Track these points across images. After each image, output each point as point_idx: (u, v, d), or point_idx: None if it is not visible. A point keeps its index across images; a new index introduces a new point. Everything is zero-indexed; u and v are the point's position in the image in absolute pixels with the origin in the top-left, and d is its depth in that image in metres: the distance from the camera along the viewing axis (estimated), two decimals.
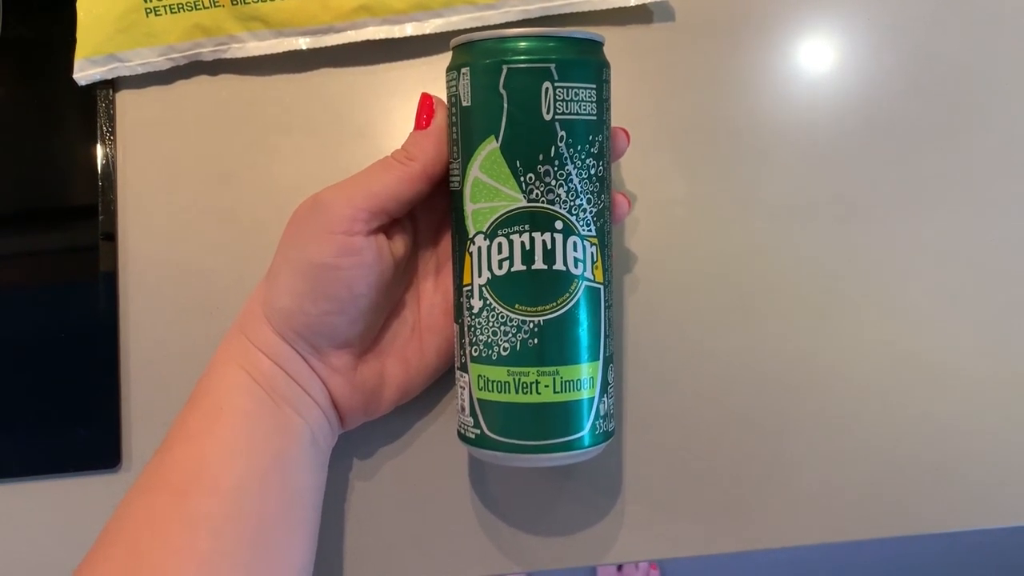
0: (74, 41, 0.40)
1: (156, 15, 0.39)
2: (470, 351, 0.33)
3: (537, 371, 0.32)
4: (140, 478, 0.32)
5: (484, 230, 0.32)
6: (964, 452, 0.39)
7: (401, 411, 0.38)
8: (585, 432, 0.33)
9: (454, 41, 0.33)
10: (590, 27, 0.41)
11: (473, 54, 0.32)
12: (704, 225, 0.40)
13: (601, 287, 0.33)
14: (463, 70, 0.32)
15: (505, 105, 0.31)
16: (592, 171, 0.32)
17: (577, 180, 0.32)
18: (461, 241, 0.33)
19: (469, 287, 0.33)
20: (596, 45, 0.33)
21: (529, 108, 0.31)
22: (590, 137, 0.32)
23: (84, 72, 0.40)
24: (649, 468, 0.39)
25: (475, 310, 0.33)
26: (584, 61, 0.32)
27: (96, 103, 0.41)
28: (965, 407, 0.39)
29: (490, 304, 0.32)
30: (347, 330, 0.34)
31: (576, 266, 0.32)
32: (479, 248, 0.32)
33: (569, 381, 0.32)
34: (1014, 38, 0.41)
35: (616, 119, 0.40)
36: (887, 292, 0.40)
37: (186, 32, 0.40)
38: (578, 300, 0.32)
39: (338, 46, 0.40)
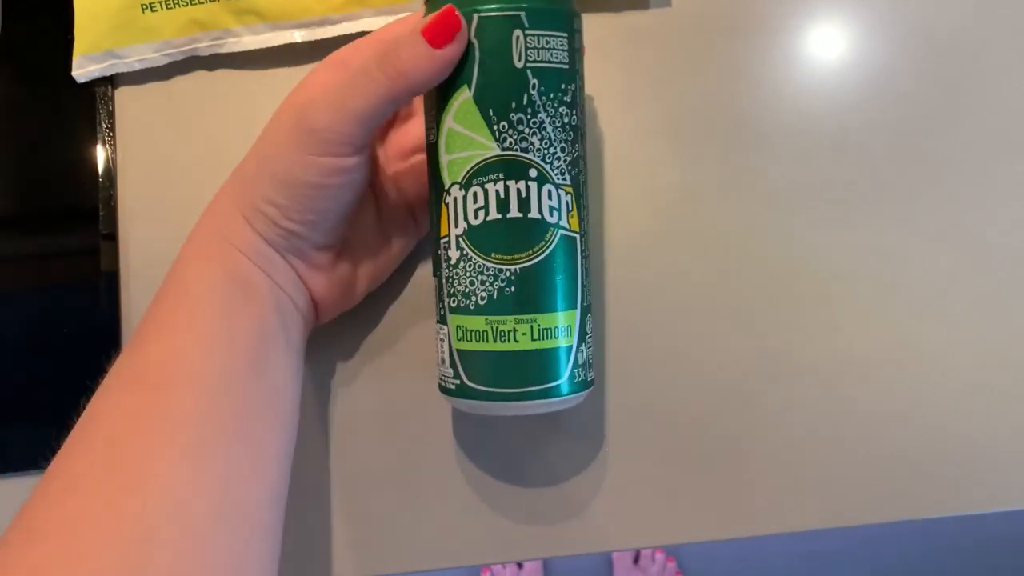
0: (72, 40, 0.41)
1: (152, 11, 0.40)
2: (448, 302, 0.33)
3: (514, 319, 0.32)
4: (113, 375, 0.31)
5: (459, 180, 0.32)
6: (966, 435, 0.38)
7: (403, 394, 0.39)
8: (563, 380, 0.33)
9: None
10: (585, 15, 0.40)
11: (443, 4, 0.31)
12: (701, 211, 0.40)
13: (577, 236, 0.33)
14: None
15: (477, 54, 0.31)
16: (565, 120, 0.32)
17: (551, 128, 0.32)
18: (438, 193, 0.33)
19: (446, 238, 0.33)
20: None
21: (500, 56, 0.31)
22: (562, 86, 0.32)
23: (82, 69, 0.41)
24: (652, 455, 0.39)
25: (452, 261, 0.33)
26: (554, 9, 0.32)
27: (95, 100, 0.41)
28: (966, 390, 0.38)
29: (467, 254, 0.32)
30: (330, 234, 0.34)
31: (551, 214, 0.32)
32: (455, 199, 0.32)
33: (546, 328, 0.32)
34: (1015, 17, 0.40)
35: (612, 105, 0.40)
36: (886, 277, 0.39)
37: (182, 27, 0.40)
38: (554, 248, 0.32)
39: (333, 38, 0.40)
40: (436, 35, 0.30)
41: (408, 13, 0.40)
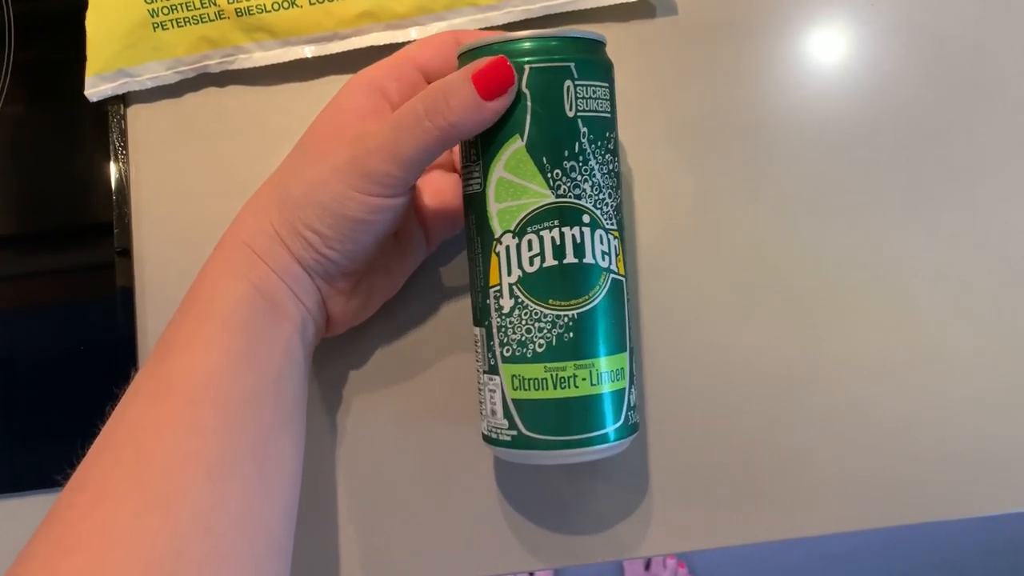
0: (84, 59, 0.41)
1: (163, 29, 0.40)
2: (501, 352, 0.33)
3: (574, 365, 0.32)
4: (141, 382, 0.32)
5: (512, 228, 0.32)
6: (981, 437, 0.38)
7: (422, 410, 0.39)
8: (620, 424, 0.33)
9: (462, 48, 0.33)
10: (592, 24, 0.41)
11: (481, 52, 0.32)
12: (713, 218, 0.40)
13: (623, 279, 0.34)
14: None
15: (529, 104, 0.31)
16: (611, 166, 0.33)
17: (599, 175, 0.33)
18: (485, 243, 0.33)
19: (497, 287, 0.33)
20: (604, 46, 0.34)
21: (553, 106, 0.32)
22: (607, 134, 0.33)
23: (95, 88, 0.41)
24: (667, 462, 0.39)
25: (505, 310, 0.33)
26: (598, 61, 0.33)
27: (108, 119, 0.42)
28: (981, 392, 0.39)
29: (522, 302, 0.32)
30: (362, 263, 0.35)
31: (603, 259, 0.33)
32: (507, 247, 0.32)
33: (604, 373, 0.33)
34: (1021, 19, 0.40)
35: (622, 114, 0.40)
36: (900, 280, 0.39)
37: (193, 45, 0.40)
38: (607, 292, 0.33)
39: (343, 53, 0.40)
40: (487, 87, 0.31)
41: (417, 27, 0.40)
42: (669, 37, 0.41)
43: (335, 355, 0.40)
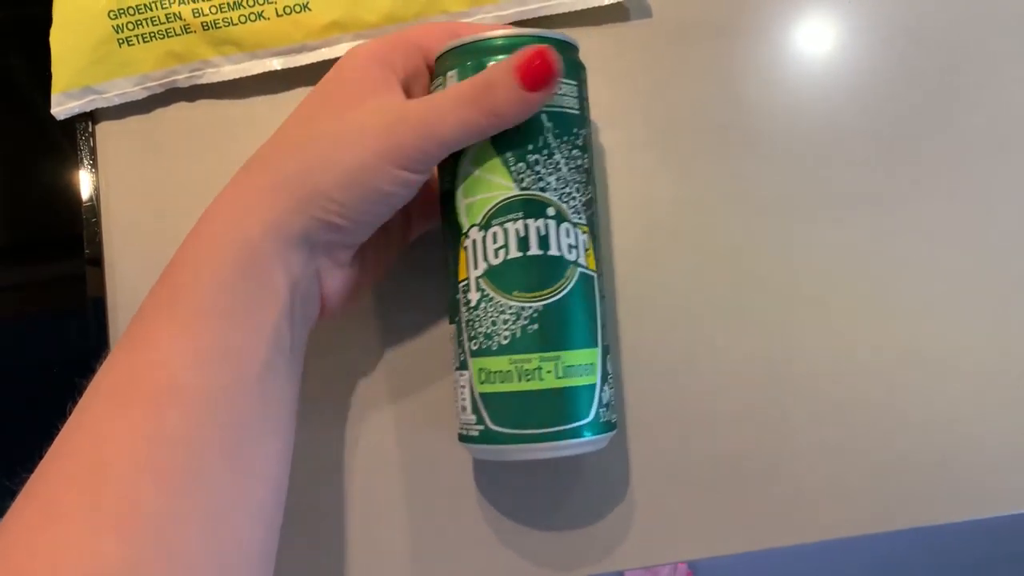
0: (50, 75, 0.40)
1: (129, 45, 0.39)
2: (469, 346, 0.33)
3: (539, 357, 0.32)
4: (105, 377, 0.30)
5: (478, 222, 0.33)
6: (972, 442, 0.38)
7: (417, 427, 0.39)
8: (590, 420, 0.33)
9: (440, 51, 0.34)
10: (566, 29, 0.40)
11: (459, 56, 0.33)
12: (693, 220, 0.40)
13: (594, 275, 0.33)
14: (450, 74, 0.33)
15: None
16: (578, 162, 0.33)
17: (565, 169, 0.33)
18: (454, 238, 0.33)
19: (465, 281, 0.33)
20: (574, 47, 0.34)
21: None
22: (574, 130, 0.33)
23: (62, 106, 0.40)
24: (651, 471, 0.38)
25: (472, 303, 0.33)
26: (567, 60, 0.33)
27: (76, 135, 0.41)
28: (969, 396, 0.38)
29: (487, 295, 0.32)
30: (365, 235, 0.34)
31: (570, 252, 0.33)
32: (474, 241, 0.33)
33: (570, 366, 0.32)
34: (999, 14, 0.40)
35: (599, 118, 0.40)
36: (883, 283, 0.39)
37: (160, 60, 0.40)
38: (574, 286, 0.33)
39: (313, 64, 0.40)
40: (531, 77, 0.31)
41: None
42: (643, 40, 0.41)
43: (323, 358, 0.40)
